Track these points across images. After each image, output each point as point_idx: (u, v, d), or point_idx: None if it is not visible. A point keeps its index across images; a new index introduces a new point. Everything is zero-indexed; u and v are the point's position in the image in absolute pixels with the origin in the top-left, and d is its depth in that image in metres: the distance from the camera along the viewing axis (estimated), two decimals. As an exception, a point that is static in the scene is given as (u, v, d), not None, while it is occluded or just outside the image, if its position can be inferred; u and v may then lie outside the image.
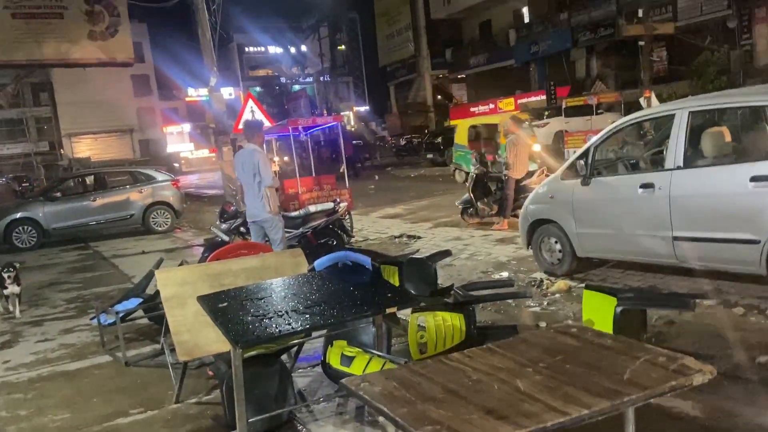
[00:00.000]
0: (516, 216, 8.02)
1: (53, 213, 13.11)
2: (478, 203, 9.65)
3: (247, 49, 54.66)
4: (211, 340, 3.61)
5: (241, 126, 11.44)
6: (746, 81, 17.83)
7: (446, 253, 5.04)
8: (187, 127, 51.39)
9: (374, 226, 11.07)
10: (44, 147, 46.55)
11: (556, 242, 6.14)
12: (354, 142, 28.28)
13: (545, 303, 5.43)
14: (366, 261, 3.69)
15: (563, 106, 19.23)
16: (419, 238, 9.33)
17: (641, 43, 21.34)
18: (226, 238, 8.00)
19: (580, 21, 26.63)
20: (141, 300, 5.75)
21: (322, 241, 8.06)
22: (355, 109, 47.49)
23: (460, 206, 10.05)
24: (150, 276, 5.85)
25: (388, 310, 3.30)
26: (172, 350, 4.10)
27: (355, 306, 3.21)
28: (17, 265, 7.17)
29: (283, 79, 54.99)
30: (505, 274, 6.48)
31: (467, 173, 12.25)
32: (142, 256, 10.47)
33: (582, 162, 5.76)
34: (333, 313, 3.09)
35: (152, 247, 11.40)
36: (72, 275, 9.69)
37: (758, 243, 4.45)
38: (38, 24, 17.21)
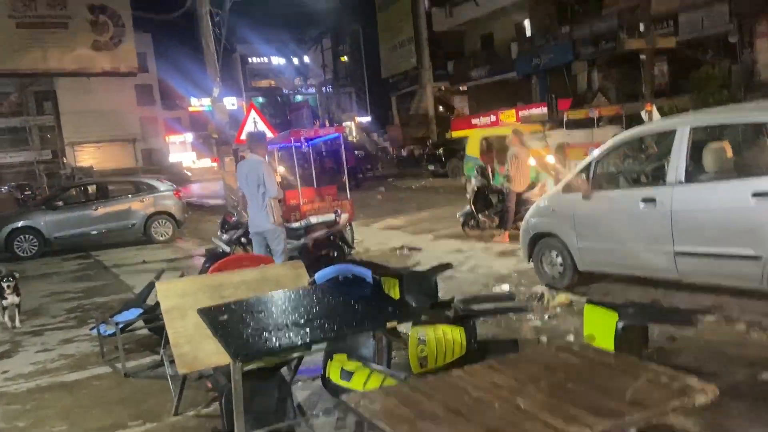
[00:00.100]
0: (517, 229, 8.02)
1: (55, 222, 13.11)
2: (480, 215, 9.66)
3: (250, 59, 54.77)
4: (211, 353, 3.60)
5: (244, 137, 11.49)
6: (747, 95, 17.89)
7: (447, 266, 5.02)
8: (189, 136, 51.51)
9: (375, 238, 11.06)
10: (47, 156, 46.71)
11: (557, 256, 6.13)
12: (356, 152, 28.33)
13: (546, 317, 5.41)
14: (367, 274, 3.67)
15: (564, 119, 19.27)
16: (420, 249, 9.33)
17: (643, 56, 21.41)
18: (227, 248, 7.99)
19: (581, 34, 26.69)
20: (141, 311, 5.74)
21: (323, 252, 8.05)
22: (357, 120, 47.53)
23: (461, 218, 10.05)
24: (151, 286, 5.84)
25: (389, 324, 3.29)
26: (172, 362, 4.09)
27: (355, 320, 3.20)
28: (17, 275, 7.16)
29: (285, 90, 55.20)
30: (506, 287, 6.47)
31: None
32: (143, 266, 10.47)
33: (583, 176, 5.77)
34: (333, 327, 3.07)
35: (153, 257, 11.39)
36: (73, 284, 9.69)
37: (760, 258, 4.44)
38: (43, 33, 17.26)
